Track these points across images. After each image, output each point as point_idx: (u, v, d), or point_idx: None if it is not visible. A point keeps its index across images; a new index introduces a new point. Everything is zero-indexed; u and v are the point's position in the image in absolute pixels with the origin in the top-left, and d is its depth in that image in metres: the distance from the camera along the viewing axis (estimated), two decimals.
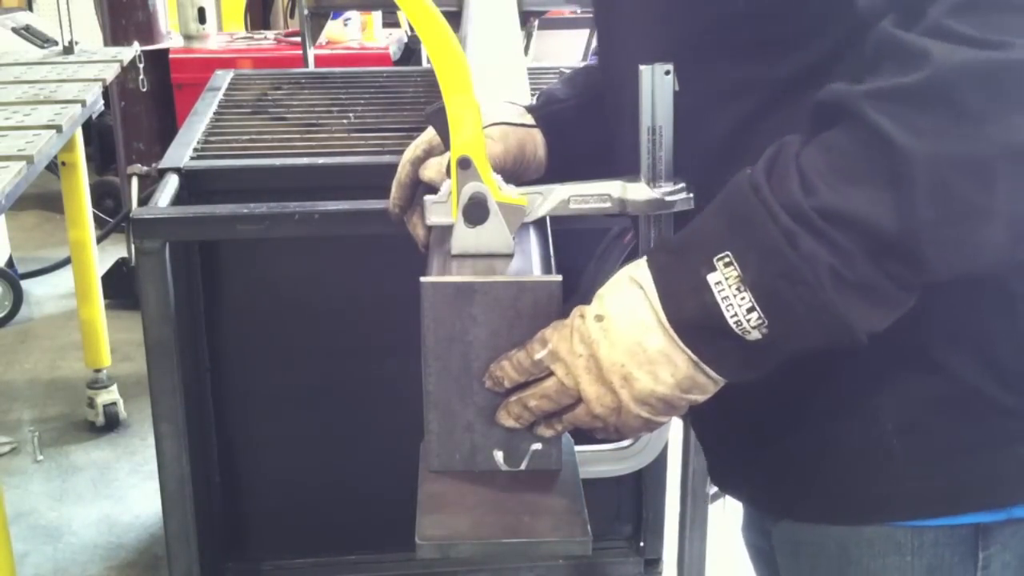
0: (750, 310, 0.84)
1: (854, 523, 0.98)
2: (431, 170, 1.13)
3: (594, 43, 5.45)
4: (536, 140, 1.18)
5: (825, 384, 0.96)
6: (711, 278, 0.85)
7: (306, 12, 3.43)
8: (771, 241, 0.82)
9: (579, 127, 1.19)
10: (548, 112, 1.20)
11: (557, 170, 1.15)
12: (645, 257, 0.91)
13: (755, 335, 0.85)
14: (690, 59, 0.96)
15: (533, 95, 1.79)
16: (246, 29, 5.26)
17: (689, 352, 0.87)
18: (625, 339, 0.88)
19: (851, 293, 0.82)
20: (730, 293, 0.84)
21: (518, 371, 0.94)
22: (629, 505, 2.40)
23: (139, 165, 4.13)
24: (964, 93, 0.78)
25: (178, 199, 1.93)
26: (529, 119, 1.18)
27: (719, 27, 0.94)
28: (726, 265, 0.84)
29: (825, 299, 0.82)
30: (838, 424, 0.97)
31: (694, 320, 0.86)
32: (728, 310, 0.84)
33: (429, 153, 1.16)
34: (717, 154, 0.96)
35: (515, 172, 1.13)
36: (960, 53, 0.78)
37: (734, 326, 0.85)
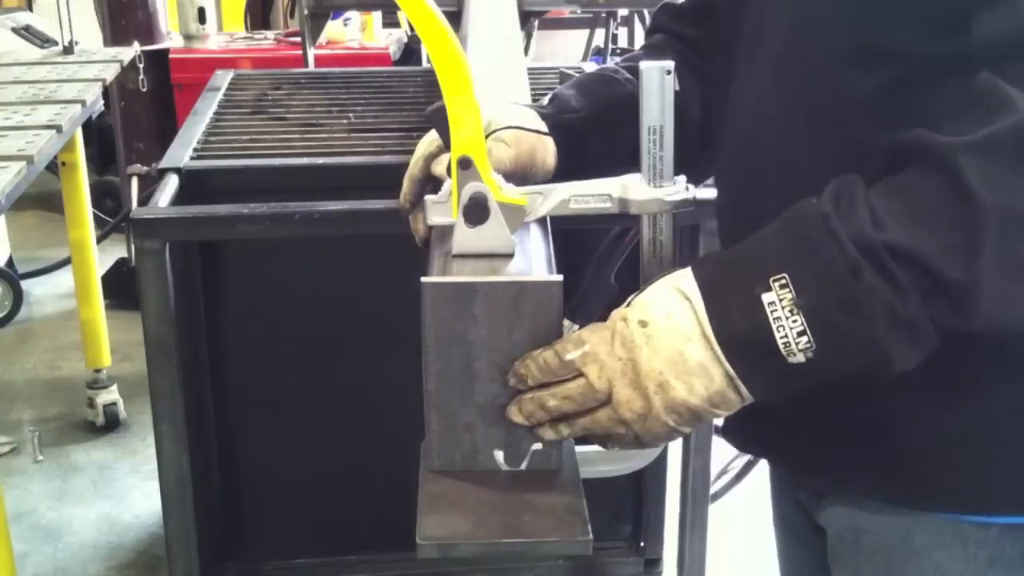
0: (800, 333, 0.86)
1: (922, 510, 1.00)
2: (442, 165, 1.14)
3: (594, 44, 5.46)
4: (547, 148, 1.17)
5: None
6: (765, 297, 0.87)
7: (306, 12, 3.43)
8: (835, 269, 0.84)
9: (592, 139, 1.19)
10: (562, 121, 1.19)
11: (563, 179, 1.14)
12: (690, 268, 0.92)
13: (799, 358, 0.87)
14: (803, 122, 0.99)
15: (533, 94, 1.79)
16: (246, 29, 5.26)
17: (728, 367, 0.89)
18: (667, 347, 0.90)
19: (899, 331, 0.84)
20: (783, 315, 0.86)
21: (543, 371, 0.94)
22: (629, 505, 2.40)
23: (139, 165, 4.12)
24: None
25: (178, 199, 1.93)
26: (543, 125, 1.18)
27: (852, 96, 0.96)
28: (782, 287, 0.86)
29: (877, 334, 0.84)
30: (917, 411, 0.98)
31: (741, 337, 0.88)
32: (779, 331, 0.86)
33: (442, 149, 1.15)
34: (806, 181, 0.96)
35: (522, 178, 1.13)
36: None
37: (782, 347, 0.87)
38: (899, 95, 0.93)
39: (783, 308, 0.86)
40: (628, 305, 0.94)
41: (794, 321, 0.86)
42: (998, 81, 0.83)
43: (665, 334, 0.90)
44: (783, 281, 0.86)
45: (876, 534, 1.03)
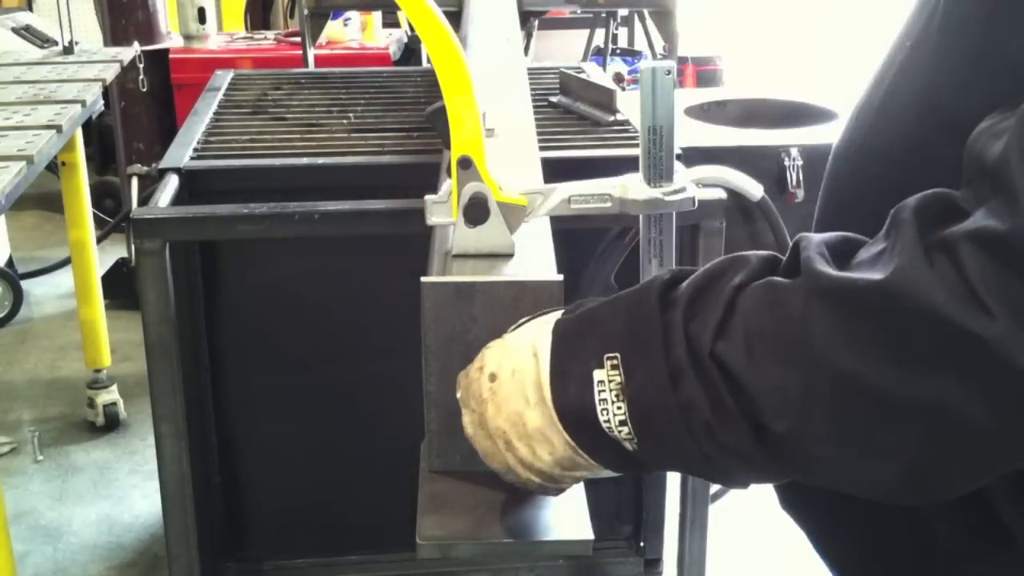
0: (622, 423, 0.78)
1: None
2: None
3: (594, 45, 5.46)
4: None
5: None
6: (596, 375, 0.79)
7: (306, 12, 3.43)
8: (656, 370, 0.76)
9: None
10: None
11: None
12: (556, 318, 0.86)
13: (628, 446, 0.80)
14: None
15: (533, 95, 1.79)
16: (246, 29, 5.26)
17: (567, 436, 0.82)
18: (508, 407, 0.85)
19: (724, 454, 0.75)
20: (609, 397, 0.78)
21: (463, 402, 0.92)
22: (629, 505, 2.40)
23: (139, 165, 4.13)
24: (911, 330, 0.67)
25: (178, 199, 1.93)
26: None
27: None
28: (613, 367, 0.79)
29: (698, 449, 0.76)
30: (968, 552, 0.86)
31: (573, 411, 0.81)
32: (603, 414, 0.79)
33: None
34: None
35: None
36: (931, 290, 0.66)
37: (607, 431, 0.79)
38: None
39: (610, 391, 0.78)
40: (490, 348, 0.89)
41: (618, 408, 0.78)
42: (909, 217, 0.70)
43: (507, 392, 0.85)
44: (615, 361, 0.78)
45: None
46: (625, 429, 0.78)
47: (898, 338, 0.67)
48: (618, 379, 0.78)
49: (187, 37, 4.38)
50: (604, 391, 0.79)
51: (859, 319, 0.68)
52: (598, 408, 0.79)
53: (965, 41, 0.79)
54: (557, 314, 0.86)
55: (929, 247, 0.67)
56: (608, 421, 0.79)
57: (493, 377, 0.86)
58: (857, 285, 0.69)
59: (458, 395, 0.90)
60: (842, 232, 0.76)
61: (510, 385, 0.85)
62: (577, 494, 0.96)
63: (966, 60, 0.79)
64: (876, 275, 0.68)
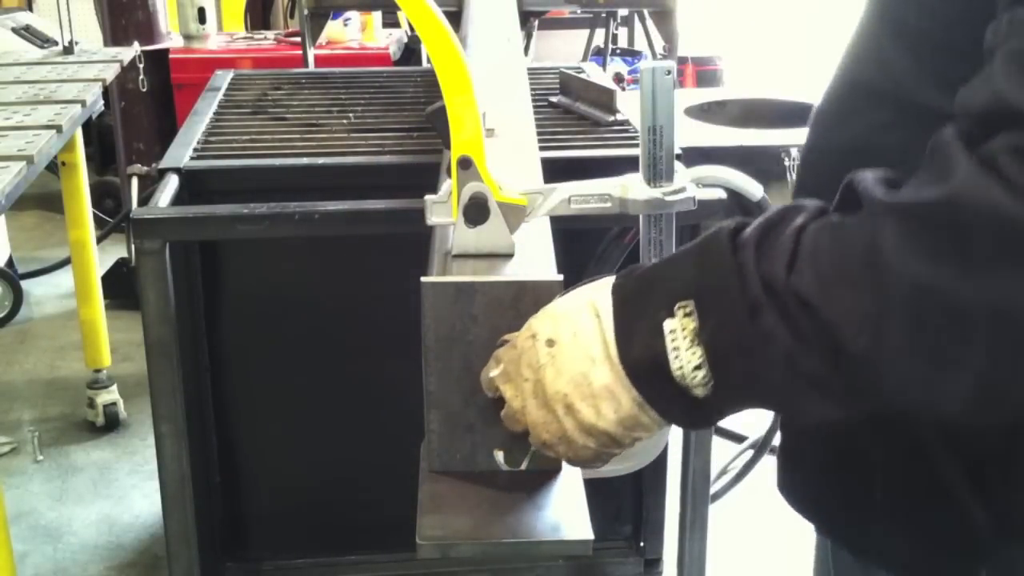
0: (696, 367, 0.79)
1: None
2: None
3: (594, 45, 5.46)
4: None
5: None
6: (667, 324, 0.80)
7: (306, 12, 3.43)
8: (734, 307, 0.77)
9: None
10: None
11: None
12: (612, 282, 0.87)
13: (700, 391, 0.80)
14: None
15: (533, 95, 1.79)
16: (246, 29, 5.26)
17: (635, 392, 0.83)
18: (571, 369, 0.85)
19: (801, 383, 0.77)
20: (682, 344, 0.80)
21: (486, 386, 0.93)
22: (629, 505, 2.40)
23: (139, 165, 4.14)
24: (976, 233, 0.70)
25: (178, 199, 1.93)
26: None
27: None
28: (686, 315, 0.80)
29: (774, 383, 0.77)
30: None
31: (642, 363, 0.82)
32: (675, 361, 0.80)
33: None
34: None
35: None
36: (992, 192, 0.69)
37: (678, 379, 0.80)
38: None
39: (684, 338, 0.79)
40: (537, 318, 0.89)
41: (692, 353, 0.79)
42: (953, 140, 0.73)
43: (570, 355, 0.85)
44: (688, 308, 0.79)
45: None
46: (700, 374, 0.79)
47: (966, 244, 0.70)
48: (692, 325, 0.79)
49: (187, 37, 4.38)
50: (676, 339, 0.80)
51: (927, 232, 0.71)
52: (670, 356, 0.80)
53: None
54: (610, 279, 0.87)
55: (979, 160, 0.70)
56: (681, 368, 0.80)
57: (551, 343, 0.86)
58: (920, 200, 0.72)
59: (493, 373, 0.90)
60: (888, 170, 0.78)
61: (572, 347, 0.85)
62: (577, 494, 0.96)
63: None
64: (936, 190, 0.71)
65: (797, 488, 1.04)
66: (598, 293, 0.86)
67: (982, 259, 0.70)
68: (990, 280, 0.70)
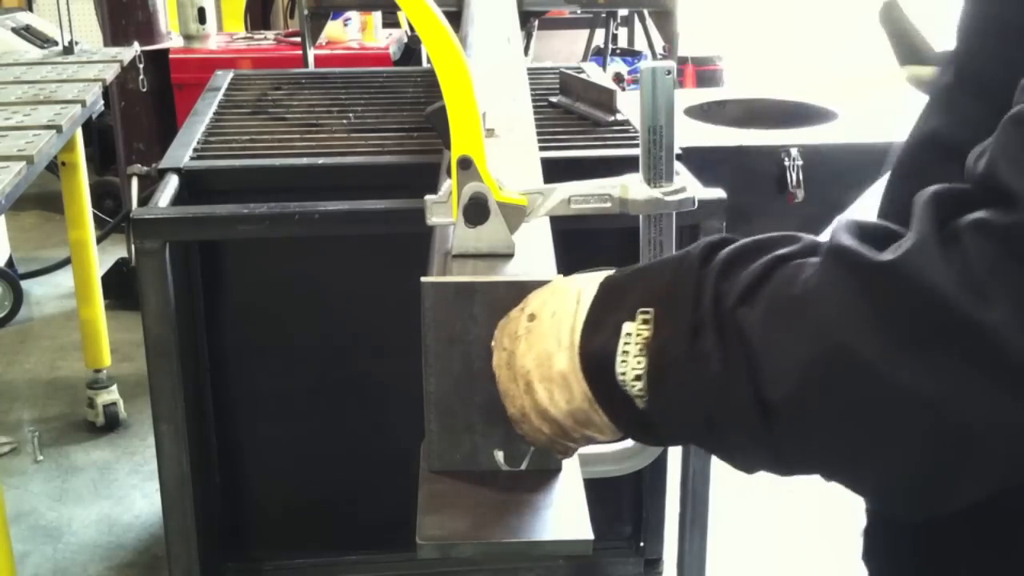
0: (637, 377, 0.77)
1: None
2: None
3: (594, 45, 5.46)
4: None
5: None
6: (625, 327, 0.78)
7: (306, 12, 3.43)
8: (681, 321, 0.75)
9: None
10: None
11: None
12: (608, 272, 0.86)
13: (640, 404, 0.78)
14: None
15: (533, 95, 1.79)
16: (246, 29, 5.26)
17: (586, 386, 0.81)
18: (539, 347, 0.84)
19: (728, 420, 0.73)
20: (631, 350, 0.78)
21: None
22: (629, 505, 2.40)
23: (139, 165, 4.13)
24: (908, 310, 0.66)
25: (178, 199, 1.93)
26: None
27: None
28: (644, 322, 0.78)
29: (700, 411, 0.74)
30: None
31: (593, 357, 0.80)
32: (620, 366, 0.78)
33: None
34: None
35: None
36: (934, 270, 0.65)
37: (620, 384, 0.78)
38: None
39: (635, 344, 0.77)
40: (536, 292, 0.89)
41: (638, 362, 0.77)
42: (927, 203, 0.69)
43: (542, 333, 0.84)
44: (648, 316, 0.78)
45: None
46: (638, 385, 0.77)
47: (898, 318, 0.66)
48: (646, 333, 0.77)
49: (187, 37, 4.38)
50: (629, 343, 0.78)
51: (865, 295, 0.67)
52: (617, 359, 0.78)
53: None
54: (601, 273, 0.86)
55: (943, 233, 0.67)
56: (624, 374, 0.78)
57: (532, 317, 0.87)
58: (869, 261, 0.68)
59: (491, 344, 0.91)
60: (884, 222, 0.74)
61: (546, 325, 0.85)
62: (577, 494, 0.96)
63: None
64: (889, 253, 0.67)
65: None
66: (590, 281, 0.86)
67: (915, 340, 0.65)
68: (922, 367, 0.65)
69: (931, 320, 0.65)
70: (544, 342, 0.84)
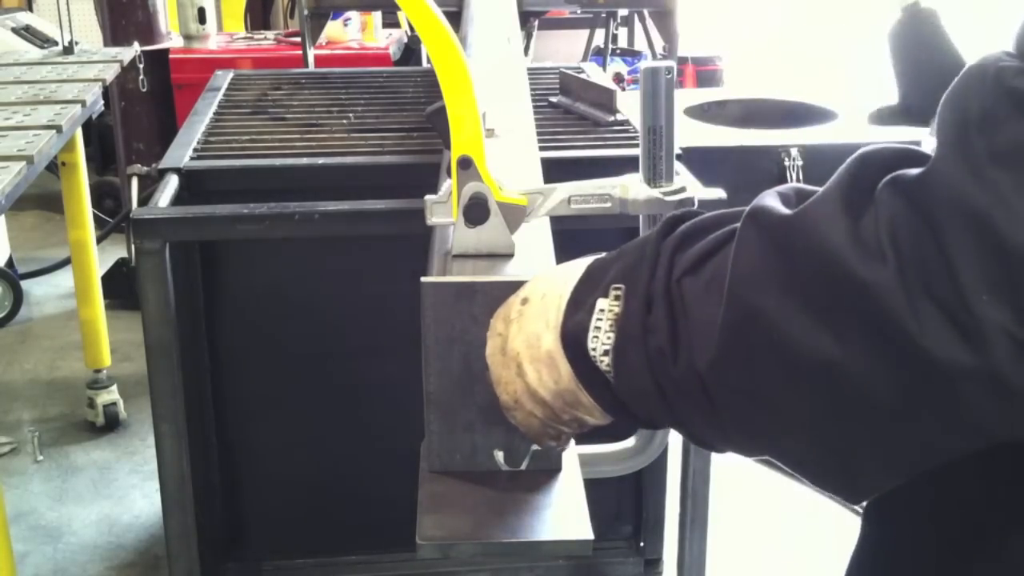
0: (605, 352, 0.77)
1: None
2: None
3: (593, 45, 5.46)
4: None
5: None
6: (599, 303, 0.78)
7: (306, 12, 3.43)
8: (638, 295, 0.76)
9: None
10: None
11: None
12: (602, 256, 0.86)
13: (612, 379, 0.78)
14: None
15: (533, 95, 1.79)
16: (246, 29, 5.26)
17: (570, 366, 0.81)
18: (528, 328, 0.84)
19: (679, 393, 0.73)
20: (603, 326, 0.78)
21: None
22: (629, 505, 2.40)
23: (139, 165, 4.13)
24: (804, 269, 0.64)
25: (178, 199, 1.93)
26: None
27: None
28: (616, 298, 0.78)
29: (653, 385, 0.74)
30: None
31: (570, 335, 0.81)
32: (592, 341, 0.78)
33: None
34: None
35: None
36: (831, 224, 0.62)
37: (592, 359, 0.79)
38: None
39: (606, 320, 0.77)
40: (534, 277, 0.89)
41: (608, 337, 0.77)
42: (857, 156, 0.65)
43: (532, 315, 0.84)
44: (619, 292, 0.77)
45: None
46: (606, 360, 0.77)
47: (802, 277, 0.63)
48: (617, 309, 0.77)
49: (187, 37, 4.38)
50: (601, 319, 0.78)
51: (773, 253, 0.64)
52: (589, 335, 0.78)
53: None
54: (598, 256, 0.86)
55: (852, 188, 0.63)
56: (595, 349, 0.78)
57: (525, 301, 0.87)
58: (776, 216, 0.65)
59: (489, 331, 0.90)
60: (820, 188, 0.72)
61: (537, 308, 0.85)
62: (577, 494, 0.96)
63: None
64: (791, 209, 0.65)
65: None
66: (580, 264, 0.86)
67: (814, 299, 0.62)
68: (820, 330, 0.61)
69: (826, 277, 0.61)
70: (534, 323, 0.84)
